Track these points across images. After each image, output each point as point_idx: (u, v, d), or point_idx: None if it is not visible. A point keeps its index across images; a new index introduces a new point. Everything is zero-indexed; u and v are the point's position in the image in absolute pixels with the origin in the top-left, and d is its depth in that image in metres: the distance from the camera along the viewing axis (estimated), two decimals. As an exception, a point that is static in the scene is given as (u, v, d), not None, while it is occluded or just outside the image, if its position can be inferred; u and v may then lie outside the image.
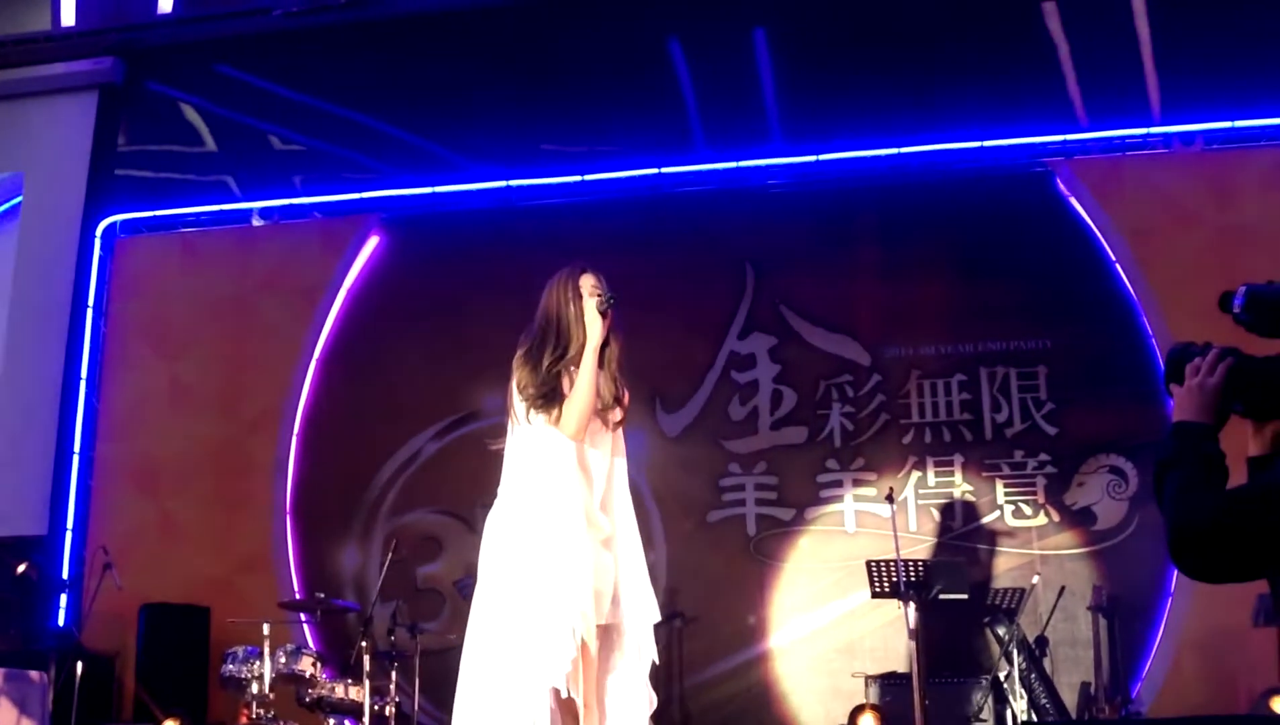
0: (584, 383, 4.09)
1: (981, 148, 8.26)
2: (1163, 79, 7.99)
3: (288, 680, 6.81)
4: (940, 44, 8.45)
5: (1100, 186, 8.05)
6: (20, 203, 9.65)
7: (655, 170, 8.71)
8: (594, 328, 4.13)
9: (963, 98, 8.25)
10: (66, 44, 9.62)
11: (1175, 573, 7.28)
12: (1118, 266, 7.92)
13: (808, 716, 7.76)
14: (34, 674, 7.11)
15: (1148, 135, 8.09)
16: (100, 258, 9.41)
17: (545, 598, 3.95)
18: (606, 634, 4.12)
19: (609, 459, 4.24)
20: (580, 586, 3.97)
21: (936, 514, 7.87)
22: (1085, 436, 7.75)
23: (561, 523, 4.04)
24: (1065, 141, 8.18)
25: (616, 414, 4.24)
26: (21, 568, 7.43)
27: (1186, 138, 8.05)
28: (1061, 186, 8.13)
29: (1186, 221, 7.87)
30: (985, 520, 7.81)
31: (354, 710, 6.84)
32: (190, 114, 9.50)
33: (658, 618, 4.14)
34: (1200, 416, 2.37)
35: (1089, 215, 8.03)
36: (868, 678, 7.22)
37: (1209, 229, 7.83)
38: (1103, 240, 7.97)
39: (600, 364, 4.20)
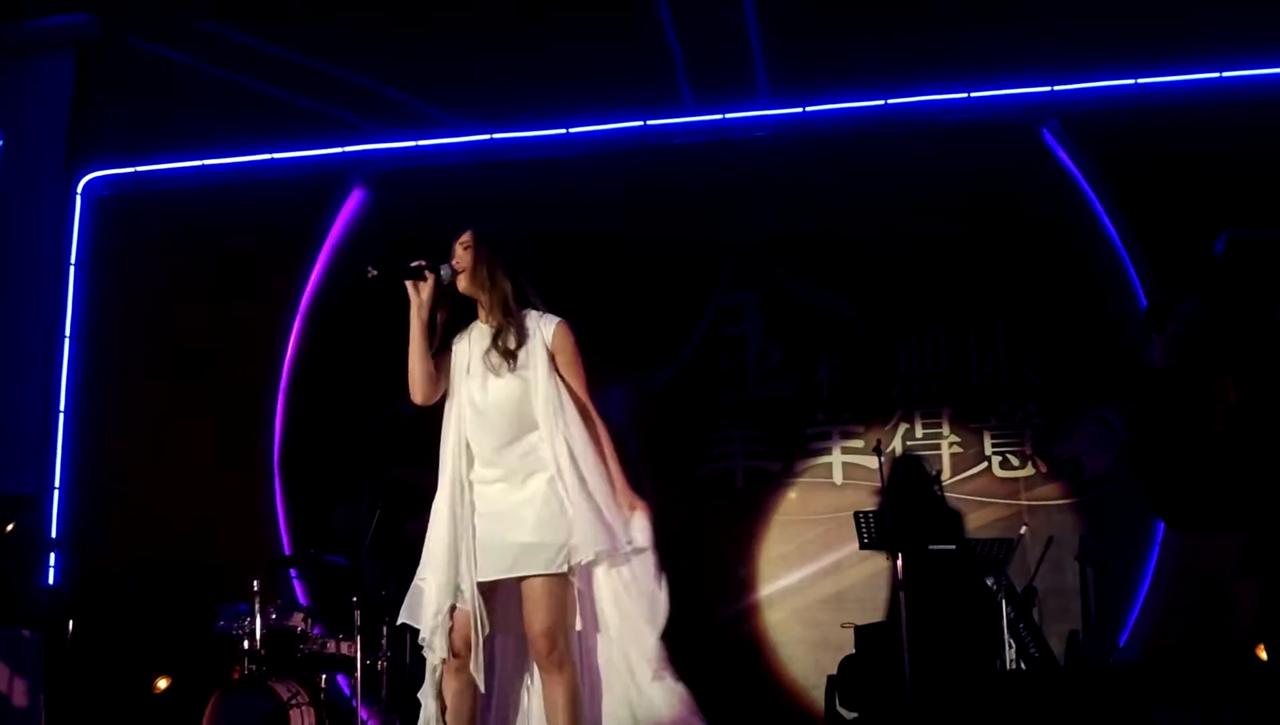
0: (409, 351, 4.30)
1: (970, 99, 8.22)
2: (1152, 29, 7.95)
3: (279, 636, 6.81)
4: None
5: (1089, 138, 8.03)
6: (-1, 160, 9.56)
7: (641, 123, 8.64)
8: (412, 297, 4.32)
9: (952, 49, 8.20)
10: (43, -1, 9.49)
11: (1163, 522, 7.34)
12: (1106, 218, 7.92)
13: (797, 668, 7.82)
14: (25, 632, 7.11)
15: (1137, 85, 8.05)
16: (81, 215, 9.32)
17: (424, 560, 4.15)
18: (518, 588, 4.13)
19: (522, 399, 4.23)
20: (450, 547, 4.09)
21: (924, 465, 7.89)
22: (1073, 388, 7.78)
23: (442, 485, 4.21)
24: (1054, 92, 8.13)
25: (522, 356, 4.24)
26: (9, 528, 7.39)
27: (1175, 89, 8.01)
28: (1050, 138, 8.11)
29: (1176, 174, 7.85)
30: (973, 472, 7.84)
31: (346, 666, 6.86)
32: (170, 69, 9.37)
33: (547, 568, 4.07)
34: (1181, 364, 2.37)
35: (1078, 167, 8.03)
36: (856, 628, 7.27)
37: (1199, 181, 7.81)
38: (1091, 192, 7.97)
39: (487, 311, 4.31)
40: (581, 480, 4.15)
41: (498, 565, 4.08)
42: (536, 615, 4.03)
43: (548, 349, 4.27)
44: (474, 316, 4.42)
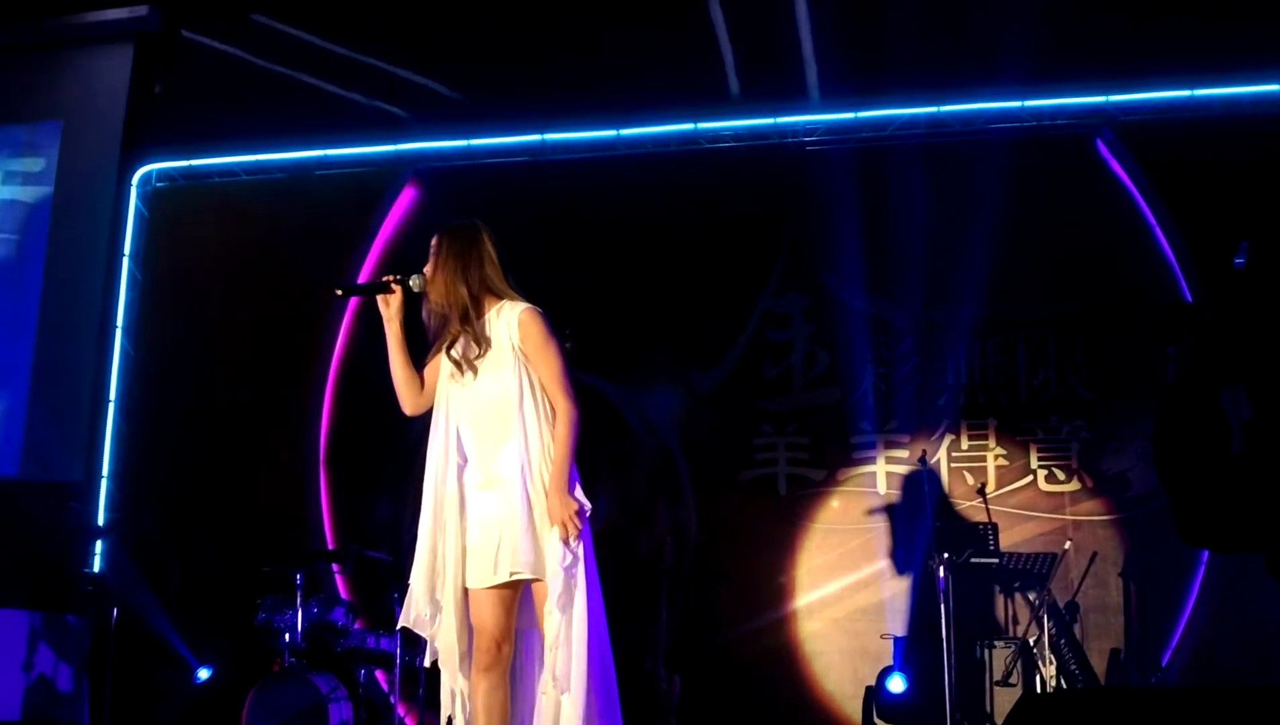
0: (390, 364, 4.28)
1: (1023, 107, 8.16)
2: (1207, 39, 7.84)
3: (319, 630, 6.87)
4: (982, 1, 8.32)
5: (1143, 149, 7.94)
6: (58, 151, 9.66)
7: (691, 125, 8.64)
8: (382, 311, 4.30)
9: (1004, 56, 8.13)
10: (104, -9, 9.60)
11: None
12: (1158, 230, 7.83)
13: (836, 677, 7.78)
14: (71, 618, 7.20)
15: (1192, 96, 7.95)
16: (136, 206, 9.45)
17: (415, 564, 4.14)
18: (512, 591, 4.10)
19: (495, 404, 4.14)
20: (432, 551, 4.08)
21: (969, 477, 7.83)
22: (1121, 402, 7.69)
23: (426, 488, 4.17)
24: (1108, 103, 8.06)
25: (491, 357, 4.14)
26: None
27: (1231, 100, 7.91)
28: (1103, 148, 8.03)
29: (1231, 186, 7.74)
30: (1018, 485, 7.77)
31: (385, 662, 6.90)
32: (226, 63, 9.46)
33: (502, 577, 4.02)
34: (1196, 376, 2.31)
35: (1130, 178, 7.94)
36: (896, 639, 7.24)
37: (1253, 194, 7.69)
38: (1144, 203, 7.88)
39: (454, 321, 4.20)
40: (527, 493, 4.05)
41: (485, 572, 4.05)
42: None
43: (513, 342, 4.14)
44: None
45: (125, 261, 9.30)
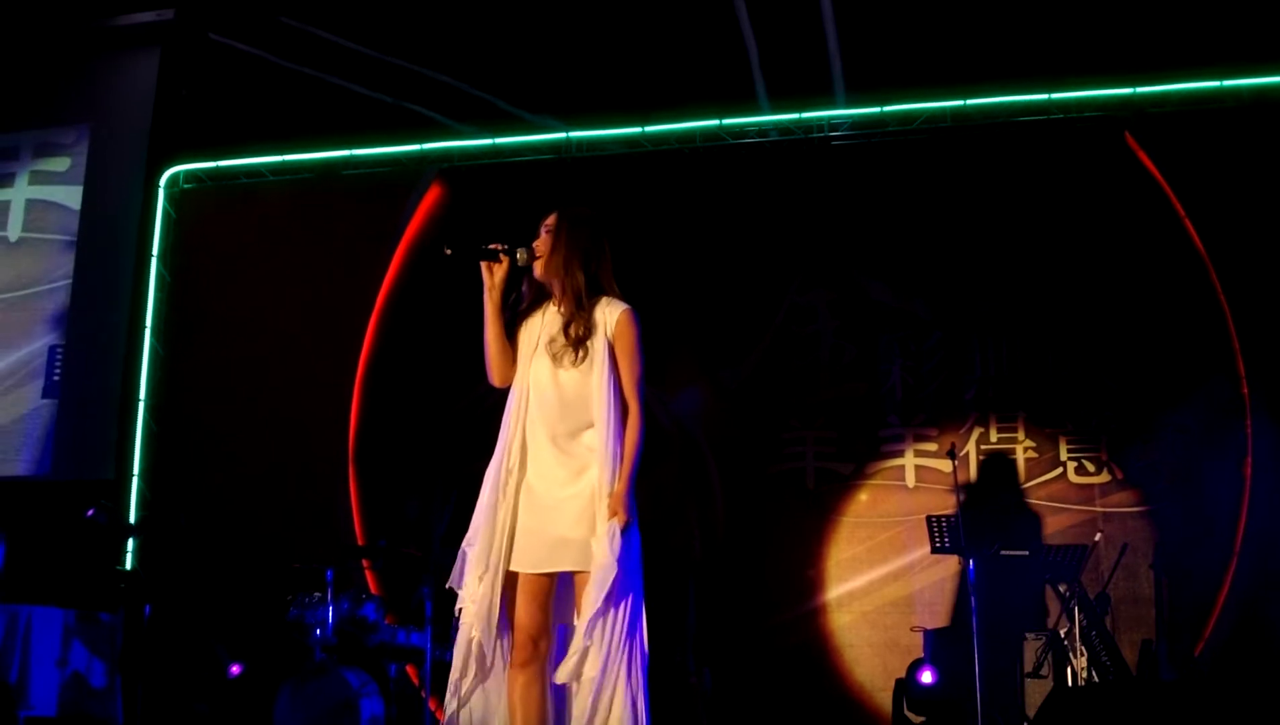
0: (485, 333, 4.27)
1: (1050, 100, 8.14)
2: (1237, 29, 7.80)
3: (350, 626, 6.89)
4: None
5: (1172, 140, 7.90)
6: (86, 153, 9.73)
7: (716, 122, 8.65)
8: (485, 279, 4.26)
9: (1031, 48, 8.11)
10: (131, -5, 9.68)
11: (1240, 531, 7.21)
12: (1187, 222, 7.78)
13: (865, 670, 7.78)
14: (104, 615, 7.25)
15: (1221, 87, 7.91)
16: (164, 207, 9.51)
17: (473, 527, 4.10)
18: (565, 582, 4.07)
19: (580, 392, 4.14)
20: (490, 531, 4.03)
21: (998, 470, 7.81)
22: (1150, 393, 7.65)
23: (496, 459, 4.16)
24: (1136, 94, 8.03)
25: (588, 346, 4.15)
26: (90, 512, 7.52)
27: (1260, 90, 7.87)
28: (1131, 140, 8.00)
29: (1259, 177, 7.71)
30: (1048, 477, 7.75)
31: (416, 657, 6.92)
32: (253, 65, 9.52)
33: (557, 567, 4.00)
34: None
35: (1159, 169, 7.90)
36: (926, 632, 7.22)
37: (1281, 185, 7.68)
38: (1172, 195, 7.84)
39: (559, 298, 4.23)
40: (594, 485, 4.04)
41: (534, 558, 4.02)
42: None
43: (608, 338, 4.17)
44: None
45: (154, 262, 9.38)
